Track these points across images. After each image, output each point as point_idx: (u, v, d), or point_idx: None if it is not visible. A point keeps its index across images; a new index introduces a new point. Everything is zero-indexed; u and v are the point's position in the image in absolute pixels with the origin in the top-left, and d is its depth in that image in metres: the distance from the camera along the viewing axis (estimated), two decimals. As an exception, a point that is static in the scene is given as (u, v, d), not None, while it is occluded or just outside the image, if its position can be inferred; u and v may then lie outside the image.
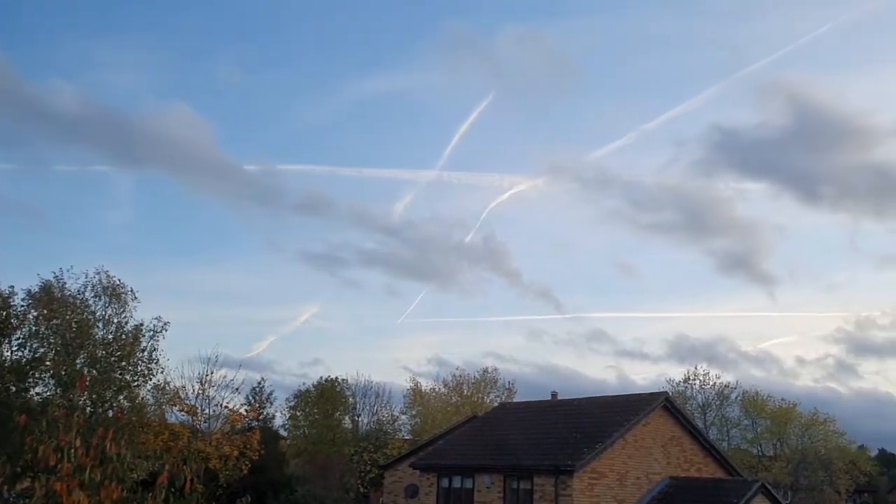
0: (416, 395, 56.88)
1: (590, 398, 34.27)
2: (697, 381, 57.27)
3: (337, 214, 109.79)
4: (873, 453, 69.68)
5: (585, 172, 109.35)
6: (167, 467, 8.72)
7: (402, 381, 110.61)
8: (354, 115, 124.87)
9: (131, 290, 33.37)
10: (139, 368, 32.49)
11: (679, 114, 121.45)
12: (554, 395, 38.82)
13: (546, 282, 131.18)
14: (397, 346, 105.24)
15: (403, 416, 56.64)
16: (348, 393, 55.22)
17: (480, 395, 56.12)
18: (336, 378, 55.28)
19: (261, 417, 45.66)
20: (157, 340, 33.09)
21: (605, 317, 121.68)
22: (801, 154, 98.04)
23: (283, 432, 54.21)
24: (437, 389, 57.97)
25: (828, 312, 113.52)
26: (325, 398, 53.73)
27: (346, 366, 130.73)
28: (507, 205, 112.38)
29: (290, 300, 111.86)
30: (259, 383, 49.29)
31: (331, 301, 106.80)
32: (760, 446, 57.79)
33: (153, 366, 33.02)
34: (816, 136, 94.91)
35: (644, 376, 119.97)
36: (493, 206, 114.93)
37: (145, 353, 32.67)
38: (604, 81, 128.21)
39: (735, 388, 57.72)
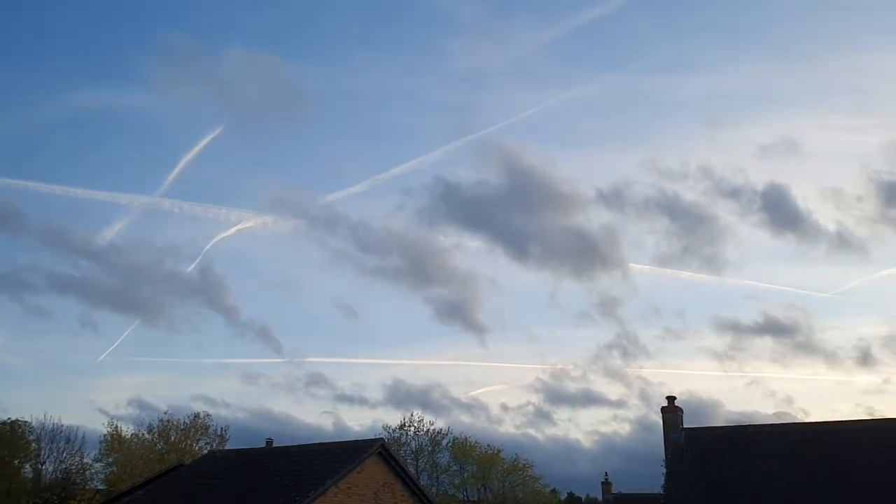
0: (114, 441, 51.85)
1: (305, 445, 33.51)
2: (412, 428, 58.61)
3: (27, 233, 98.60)
4: (563, 496, 75.90)
5: (314, 212, 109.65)
6: None
7: (97, 426, 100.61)
8: (62, 129, 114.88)
9: None
10: None
11: (412, 167, 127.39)
12: (269, 442, 37.55)
13: (266, 322, 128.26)
14: (94, 387, 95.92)
15: (98, 465, 51.33)
16: (31, 437, 48.88)
17: (189, 442, 52.61)
18: (16, 420, 48.74)
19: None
20: None
21: (325, 361, 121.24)
22: (514, 213, 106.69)
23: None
24: (140, 435, 53.44)
25: (530, 363, 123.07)
26: (3, 443, 47.02)
27: (29, 406, 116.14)
28: (233, 240, 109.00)
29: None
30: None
31: (13, 331, 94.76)
32: (466, 491, 60.25)
33: None
34: (528, 198, 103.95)
35: (361, 422, 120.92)
36: (218, 240, 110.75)
37: None
38: (343, 128, 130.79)
39: (447, 435, 59.90)
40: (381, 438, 33.08)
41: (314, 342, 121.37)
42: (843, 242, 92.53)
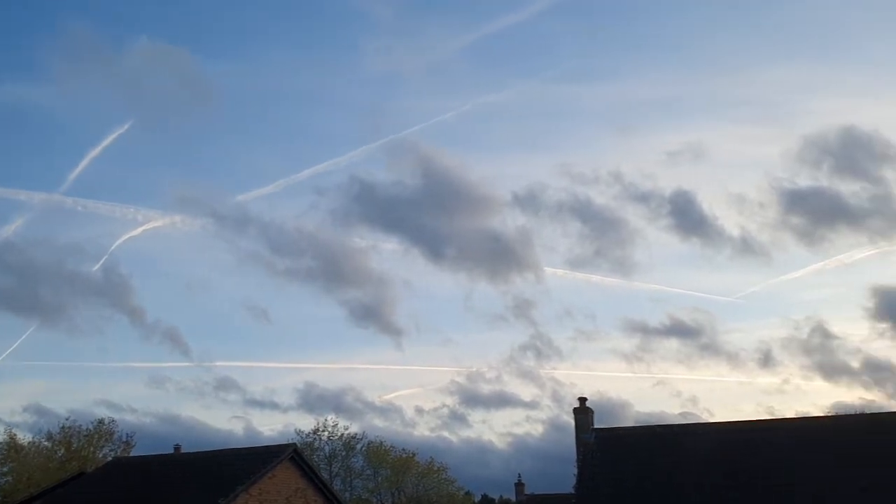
0: (9, 450, 49.53)
1: (215, 451, 32.76)
2: (326, 433, 58.03)
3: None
4: (477, 498, 76.39)
5: (225, 211, 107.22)
6: None
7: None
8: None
9: None
10: None
11: (326, 168, 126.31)
12: (177, 448, 36.49)
13: (174, 324, 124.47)
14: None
15: (-8, 475, 48.92)
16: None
17: (92, 450, 50.75)
18: None
19: None
20: None
21: (235, 365, 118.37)
22: (430, 215, 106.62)
23: None
24: (38, 443, 51.20)
25: (445, 366, 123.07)
26: None
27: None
28: (140, 239, 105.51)
29: None
30: None
31: None
32: (380, 495, 60.01)
33: None
34: (444, 200, 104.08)
35: (272, 427, 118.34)
36: (124, 240, 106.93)
37: None
38: (256, 127, 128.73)
39: (361, 439, 59.53)
40: (294, 443, 32.57)
41: (224, 345, 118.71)
42: (746, 247, 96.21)
